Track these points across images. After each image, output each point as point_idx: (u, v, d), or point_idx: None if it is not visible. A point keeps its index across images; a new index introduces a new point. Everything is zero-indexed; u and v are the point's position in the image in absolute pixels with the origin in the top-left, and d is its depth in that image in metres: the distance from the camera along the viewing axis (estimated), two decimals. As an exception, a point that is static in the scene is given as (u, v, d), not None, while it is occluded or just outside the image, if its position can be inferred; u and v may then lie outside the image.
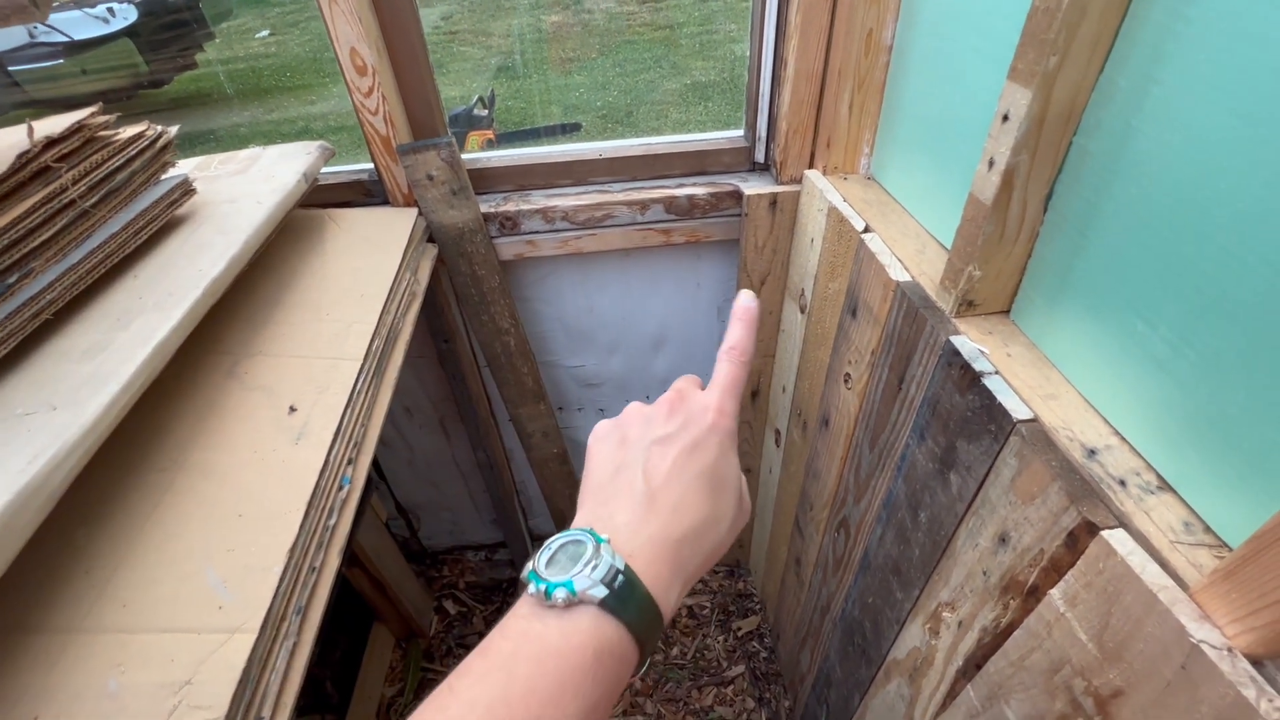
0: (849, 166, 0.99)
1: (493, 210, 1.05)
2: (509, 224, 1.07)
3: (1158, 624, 0.42)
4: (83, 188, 0.66)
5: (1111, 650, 0.46)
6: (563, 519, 1.55)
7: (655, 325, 1.34)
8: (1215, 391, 0.45)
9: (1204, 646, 0.39)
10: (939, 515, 0.70)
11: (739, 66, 4.56)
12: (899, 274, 0.75)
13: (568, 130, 3.67)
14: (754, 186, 1.04)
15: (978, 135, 0.65)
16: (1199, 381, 0.46)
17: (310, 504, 0.58)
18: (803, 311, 1.07)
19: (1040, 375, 0.60)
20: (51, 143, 0.65)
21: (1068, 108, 0.52)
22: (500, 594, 1.74)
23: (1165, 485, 0.49)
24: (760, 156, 1.08)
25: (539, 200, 1.07)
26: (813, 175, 0.98)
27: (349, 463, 0.66)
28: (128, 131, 0.75)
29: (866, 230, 0.83)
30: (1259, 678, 0.37)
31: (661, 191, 1.06)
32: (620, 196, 1.06)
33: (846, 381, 0.92)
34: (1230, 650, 0.39)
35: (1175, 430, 0.49)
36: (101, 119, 0.72)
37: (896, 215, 0.87)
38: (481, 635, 1.56)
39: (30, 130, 0.65)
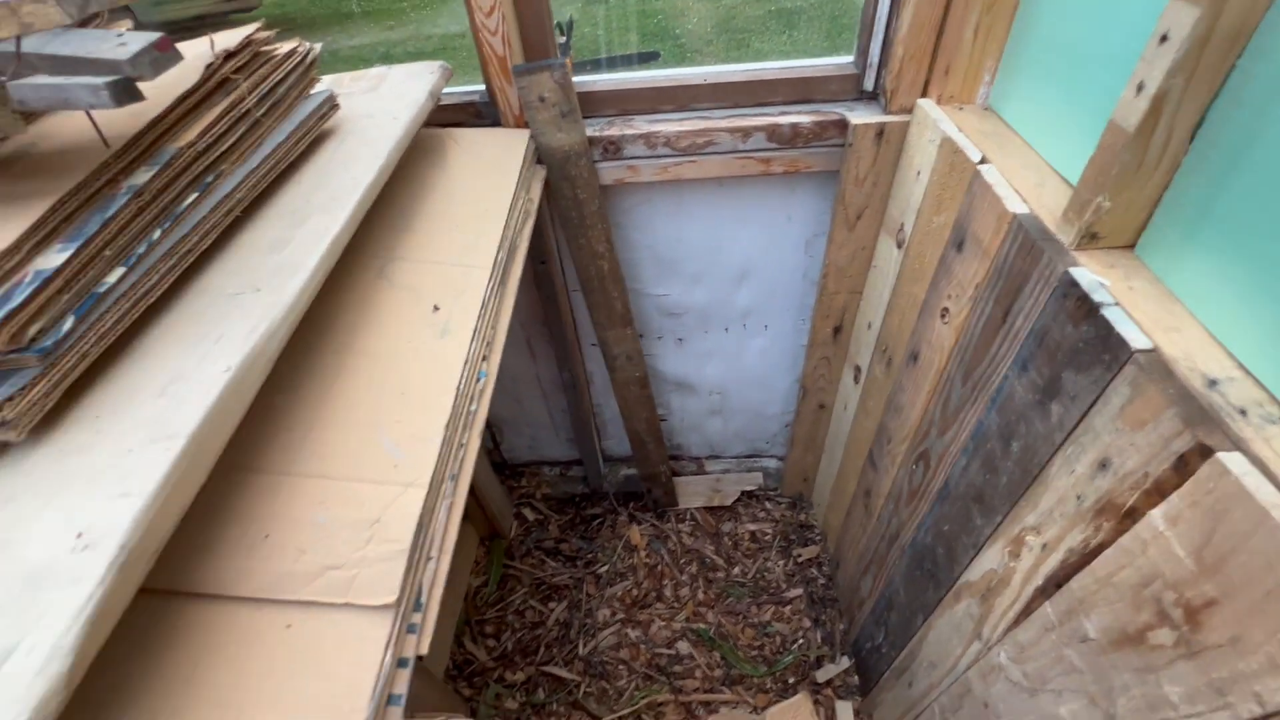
0: (966, 96, 0.96)
1: (597, 134, 1.08)
2: (612, 148, 1.09)
3: (1266, 538, 0.44)
4: (254, 98, 0.73)
5: (1210, 565, 0.49)
6: (639, 441, 1.64)
7: (741, 257, 1.36)
8: (1360, 324, 0.45)
9: (1312, 558, 0.41)
10: (1033, 444, 0.72)
11: (829, -8, 4.25)
12: (1016, 206, 0.74)
13: (645, 59, 3.58)
14: (861, 116, 1.03)
15: (1123, 60, 0.63)
16: (1343, 314, 0.46)
17: (458, 390, 0.66)
18: (899, 247, 1.07)
19: (1163, 309, 0.60)
20: (229, 55, 0.72)
21: (1238, 26, 0.50)
22: (573, 507, 1.88)
23: (1288, 417, 0.50)
24: (869, 85, 1.05)
25: (642, 125, 1.09)
26: (926, 104, 0.96)
27: (483, 359, 0.73)
28: (284, 47, 0.81)
29: (983, 161, 0.82)
30: (1366, 587, 0.40)
31: (765, 119, 1.06)
32: (723, 124, 1.06)
33: (944, 316, 0.92)
34: (1339, 562, 0.41)
35: (1307, 364, 0.49)
36: (265, 34, 0.78)
37: (1016, 147, 0.85)
38: (557, 541, 1.69)
39: (212, 43, 0.72)
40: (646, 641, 1.56)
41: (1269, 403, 0.51)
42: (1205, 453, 0.49)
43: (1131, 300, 0.61)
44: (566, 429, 1.83)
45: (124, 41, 0.55)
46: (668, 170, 1.12)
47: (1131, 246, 0.67)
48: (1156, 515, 0.54)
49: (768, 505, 1.82)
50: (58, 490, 0.44)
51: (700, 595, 1.64)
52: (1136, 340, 0.57)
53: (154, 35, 0.55)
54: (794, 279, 1.40)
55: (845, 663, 1.49)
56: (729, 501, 1.81)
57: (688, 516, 1.81)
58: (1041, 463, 0.70)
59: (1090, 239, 0.66)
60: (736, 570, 1.69)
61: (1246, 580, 0.46)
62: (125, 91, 0.54)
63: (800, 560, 1.69)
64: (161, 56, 0.55)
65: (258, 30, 0.77)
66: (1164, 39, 0.54)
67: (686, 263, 1.37)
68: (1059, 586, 0.68)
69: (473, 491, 1.65)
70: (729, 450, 1.89)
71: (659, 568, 1.70)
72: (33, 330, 0.48)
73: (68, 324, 0.50)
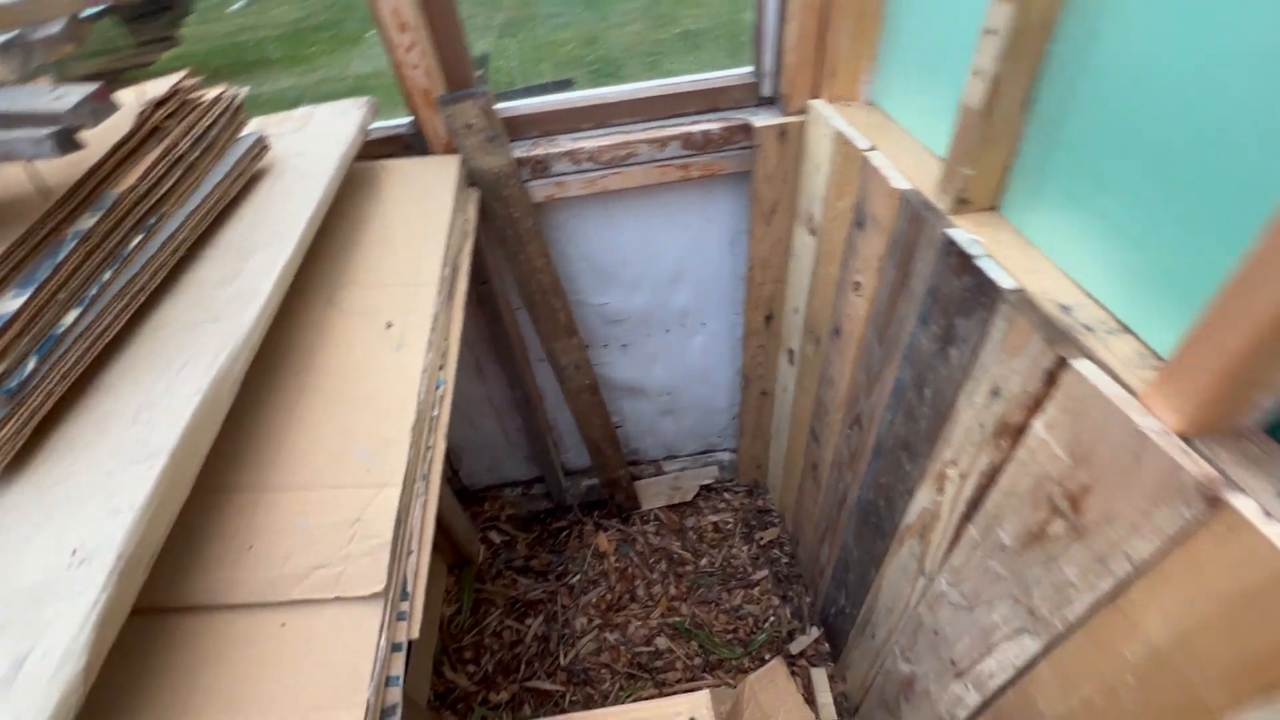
0: (850, 94, 1.08)
1: (524, 155, 1.14)
2: (540, 167, 1.16)
3: (1116, 426, 0.54)
4: (188, 143, 0.76)
5: (1081, 456, 0.59)
6: (596, 448, 1.68)
7: (673, 260, 1.45)
8: (1161, 245, 0.57)
9: (1148, 432, 0.51)
10: (941, 388, 0.82)
11: (727, 12, 4.51)
12: (901, 183, 0.85)
13: (559, 87, 3.68)
14: (763, 119, 1.13)
15: (967, 52, 0.75)
16: (1149, 238, 0.58)
17: (419, 397, 0.70)
18: (812, 234, 1.18)
19: (1024, 255, 0.71)
20: (159, 104, 0.74)
21: (1043, 19, 0.62)
22: (539, 523, 1.89)
23: (1125, 328, 0.61)
24: (768, 91, 1.16)
25: (566, 144, 1.16)
26: (818, 104, 1.07)
27: (440, 368, 0.77)
28: (211, 94, 0.84)
29: (871, 149, 0.93)
30: (1186, 447, 0.49)
31: (678, 129, 1.15)
32: (641, 135, 1.15)
33: (856, 289, 1.03)
34: (1166, 432, 0.51)
35: (1133, 284, 0.60)
36: (190, 82, 0.81)
37: (896, 135, 0.97)
38: (526, 559, 1.71)
39: (141, 93, 0.74)
40: (625, 642, 1.60)
41: (1109, 320, 0.62)
42: (1064, 364, 0.59)
43: (1000, 251, 0.72)
44: (524, 447, 1.86)
45: (60, 95, 0.58)
46: (594, 183, 1.19)
47: (995, 208, 0.78)
48: (1038, 425, 0.64)
49: (726, 496, 1.90)
50: (43, 519, 0.46)
51: (672, 590, 1.69)
52: (1006, 282, 0.68)
53: (90, 86, 0.58)
54: (723, 276, 1.49)
55: (815, 633, 1.57)
56: (689, 497, 1.88)
57: (652, 517, 1.86)
58: (950, 402, 0.80)
59: (962, 204, 0.77)
60: (704, 561, 1.75)
61: (1108, 462, 0.56)
62: (68, 141, 0.56)
63: (763, 543, 1.77)
64: (100, 106, 0.58)
65: (184, 79, 0.80)
66: (991, 32, 0.65)
67: (622, 270, 1.45)
68: (977, 507, 0.78)
69: (439, 522, 1.64)
70: (684, 449, 1.96)
71: (629, 570, 1.74)
72: (-3, 372, 0.50)
73: (30, 365, 0.52)
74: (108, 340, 0.59)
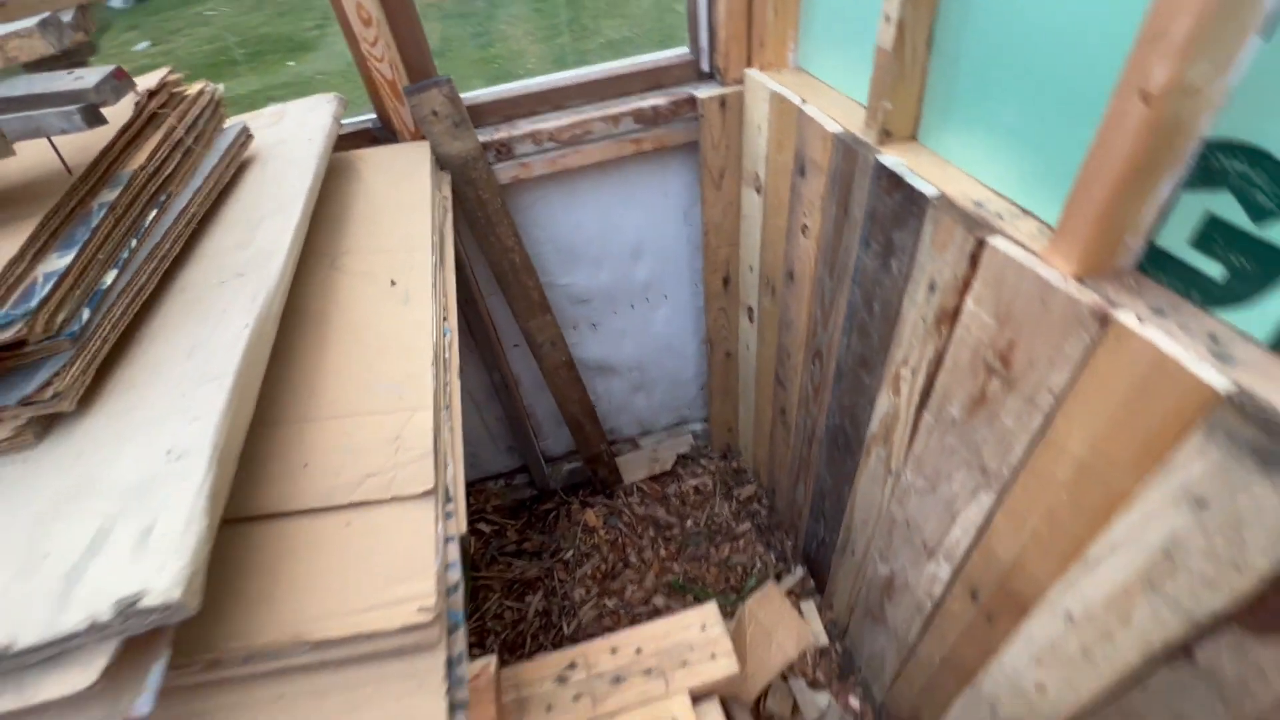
0: (780, 62, 1.20)
1: (489, 139, 1.22)
2: (504, 150, 1.24)
3: (1027, 283, 0.67)
4: (183, 129, 0.81)
5: (1003, 316, 0.71)
6: (577, 425, 1.75)
7: (632, 236, 1.54)
8: (1047, 141, 0.70)
9: (1051, 280, 0.64)
10: (888, 298, 0.94)
11: (649, 21, 4.69)
12: (833, 127, 0.98)
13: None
14: (705, 91, 1.25)
15: (875, 11, 0.88)
16: (1037, 138, 0.71)
17: (432, 340, 0.77)
18: (759, 192, 1.30)
19: (941, 170, 0.84)
20: (151, 94, 0.79)
21: (933, -34, 0.75)
22: (525, 510, 1.94)
23: (1026, 212, 0.74)
24: (705, 66, 1.28)
25: (526, 126, 1.24)
26: (752, 72, 1.20)
27: (444, 319, 0.84)
28: (194, 88, 0.88)
29: (804, 102, 1.05)
30: (1081, 285, 0.62)
31: (629, 105, 1.25)
32: (596, 114, 1.24)
33: (804, 232, 1.15)
34: (1064, 277, 0.63)
35: (1029, 177, 0.74)
36: (175, 77, 0.86)
37: (824, 91, 1.10)
38: (518, 543, 1.75)
39: (134, 85, 0.79)
40: (624, 606, 1.66)
41: (1013, 208, 0.75)
42: (983, 244, 0.71)
43: (922, 169, 0.85)
44: (504, 437, 1.91)
45: (79, 77, 0.63)
46: (556, 162, 1.28)
47: (914, 137, 0.91)
48: (969, 301, 0.76)
49: (702, 461, 2.00)
50: (125, 438, 0.51)
51: (663, 552, 1.77)
52: (930, 191, 0.80)
53: (108, 67, 0.63)
54: (681, 247, 1.60)
55: (800, 572, 1.68)
56: (669, 466, 1.97)
57: (634, 490, 1.94)
58: (896, 308, 0.92)
59: (886, 136, 0.90)
60: (689, 523, 1.83)
61: (1024, 316, 0.68)
62: (94, 116, 0.61)
63: (742, 499, 1.87)
64: (120, 84, 0.63)
65: (168, 74, 0.85)
66: (893, -17, 0.78)
67: (586, 248, 1.53)
68: (929, 395, 0.90)
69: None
70: (658, 423, 2.05)
71: (619, 539, 1.81)
72: (60, 319, 0.54)
73: (85, 314, 0.57)
74: (145, 297, 0.63)
